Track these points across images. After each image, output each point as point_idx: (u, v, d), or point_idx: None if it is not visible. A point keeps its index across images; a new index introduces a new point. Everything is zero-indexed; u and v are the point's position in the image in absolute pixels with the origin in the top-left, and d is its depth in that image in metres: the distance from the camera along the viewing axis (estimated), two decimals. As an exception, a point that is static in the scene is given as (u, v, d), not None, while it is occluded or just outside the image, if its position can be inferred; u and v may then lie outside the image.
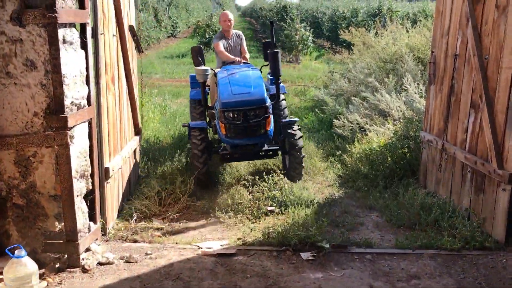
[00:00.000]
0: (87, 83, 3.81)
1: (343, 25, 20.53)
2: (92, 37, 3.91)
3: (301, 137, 5.70)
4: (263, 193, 5.04)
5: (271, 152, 5.76)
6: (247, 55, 6.77)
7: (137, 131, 5.57)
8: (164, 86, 14.51)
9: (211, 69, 5.92)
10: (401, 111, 6.50)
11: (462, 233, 4.16)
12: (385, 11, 21.87)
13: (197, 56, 6.03)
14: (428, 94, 5.42)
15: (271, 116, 5.48)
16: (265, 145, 5.68)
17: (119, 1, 4.53)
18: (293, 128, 5.67)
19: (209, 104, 6.28)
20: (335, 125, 7.03)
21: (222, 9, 39.93)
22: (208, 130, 5.95)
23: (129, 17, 5.17)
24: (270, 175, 5.43)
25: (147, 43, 27.69)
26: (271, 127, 5.46)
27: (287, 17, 24.59)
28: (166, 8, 37.28)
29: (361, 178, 5.73)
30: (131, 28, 5.18)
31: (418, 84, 6.94)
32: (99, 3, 3.94)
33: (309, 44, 22.25)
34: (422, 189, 5.29)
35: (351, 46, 10.25)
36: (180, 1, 41.38)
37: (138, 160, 5.67)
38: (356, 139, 6.48)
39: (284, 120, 5.94)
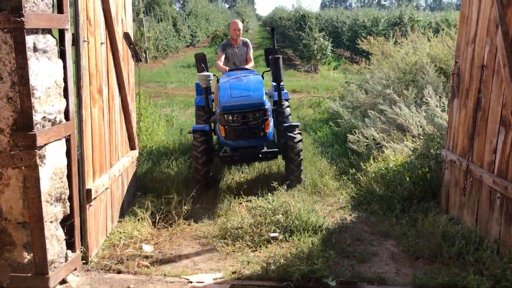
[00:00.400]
0: (66, 95, 3.42)
1: (363, 35, 20.00)
2: (73, 44, 3.53)
3: (300, 140, 5.71)
4: (266, 218, 4.56)
5: (270, 155, 5.80)
6: (252, 63, 6.88)
7: (133, 146, 5.17)
8: (177, 95, 14.19)
9: (214, 75, 6.07)
10: (421, 126, 5.97)
11: (491, 269, 3.61)
12: (406, 20, 21.29)
13: (201, 62, 6.11)
14: (451, 109, 4.90)
15: (270, 119, 5.53)
16: (265, 147, 5.79)
17: (109, 6, 4.14)
18: (294, 132, 5.72)
19: (214, 110, 6.36)
20: (349, 140, 6.52)
21: (242, 19, 39.81)
22: (211, 136, 6.08)
23: (125, 24, 4.79)
24: (275, 195, 4.99)
25: (165, 52, 27.58)
26: (270, 129, 5.51)
27: (306, 26, 24.16)
28: (186, 18, 37.26)
29: (376, 200, 5.21)
30: (126, 35, 4.80)
31: (440, 97, 6.41)
32: (81, 7, 3.55)
33: (327, 53, 21.79)
34: (443, 214, 4.74)
35: (370, 56, 9.75)
36: (200, 10, 41.39)
37: (133, 176, 5.26)
38: (371, 156, 5.96)
39: (285, 124, 6.05)
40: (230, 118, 5.31)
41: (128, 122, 4.92)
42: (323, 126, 8.51)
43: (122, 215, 4.79)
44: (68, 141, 3.48)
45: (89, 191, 3.74)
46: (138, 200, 5.13)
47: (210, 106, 6.04)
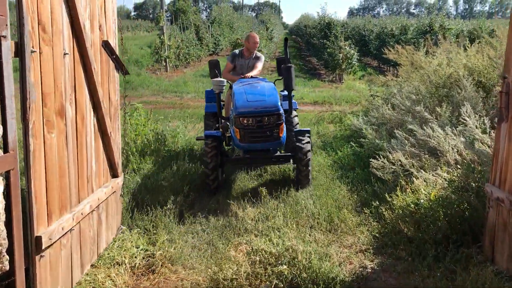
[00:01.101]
0: (3, 121, 2.68)
1: (391, 43, 19.02)
2: (16, 55, 2.80)
3: (308, 142, 5.86)
4: (267, 268, 3.72)
5: (282, 159, 5.91)
6: (255, 72, 6.78)
7: (115, 173, 4.42)
8: (191, 106, 13.50)
9: (227, 81, 6.36)
10: (458, 151, 5.05)
11: None
12: (437, 28, 20.19)
13: (214, 69, 6.36)
14: (497, 135, 3.98)
15: (284, 124, 5.67)
16: (278, 151, 5.98)
17: (76, 10, 3.40)
18: (303, 135, 5.90)
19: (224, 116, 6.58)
20: (372, 166, 5.63)
21: (266, 27, 39.16)
22: (223, 142, 6.18)
23: (104, 31, 4.06)
24: (282, 233, 4.18)
25: (187, 61, 27.08)
26: (283, 134, 5.65)
27: (331, 34, 23.29)
28: (209, 26, 36.81)
29: (403, 242, 4.31)
30: (106, 44, 4.06)
31: (479, 116, 5.48)
32: (28, 9, 2.81)
33: (353, 62, 20.87)
34: (488, 265, 3.83)
35: (398, 67, 8.84)
36: (224, 18, 40.95)
37: (116, 209, 4.51)
38: (398, 186, 5.07)
39: (296, 129, 6.25)
40: (246, 121, 5.44)
41: (107, 146, 4.18)
42: (345, 145, 7.64)
43: (99, 257, 4.04)
44: (7, 178, 2.74)
45: (39, 239, 2.98)
46: (120, 238, 4.36)
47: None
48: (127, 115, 6.38)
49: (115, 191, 4.42)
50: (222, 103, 6.64)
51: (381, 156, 5.62)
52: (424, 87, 7.01)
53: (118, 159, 4.44)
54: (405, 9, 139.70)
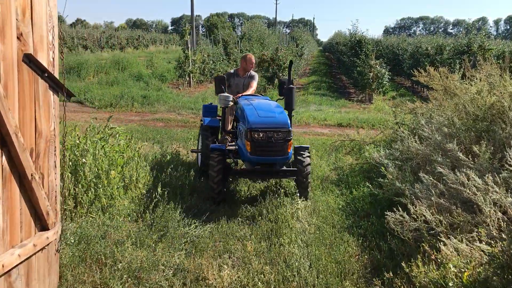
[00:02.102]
0: None
1: (425, 63, 17.69)
2: None
3: (308, 156, 6.18)
4: None
5: (288, 173, 6.11)
6: (250, 91, 7.17)
7: (44, 225, 3.41)
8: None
9: (233, 97, 6.75)
10: (501, 209, 3.83)
11: None
12: (476, 48, 18.73)
13: (220, 84, 6.70)
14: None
15: (292, 140, 5.94)
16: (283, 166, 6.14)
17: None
18: (304, 150, 6.21)
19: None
20: (388, 221, 4.44)
21: (296, 43, 38.22)
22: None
23: (30, 42, 3.09)
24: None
25: (212, 76, 26.34)
26: (291, 150, 5.95)
27: (362, 52, 22.12)
28: (238, 41, 36.14)
29: None
30: (29, 58, 3.08)
31: (531, 160, 4.25)
32: None
33: (384, 82, 19.59)
34: None
35: (429, 92, 7.62)
36: (254, 34, 40.26)
37: (45, 271, 3.49)
38: (421, 251, 3.89)
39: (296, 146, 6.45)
40: (257, 135, 5.65)
41: (29, 193, 3.18)
42: (362, 182, 6.48)
43: None
44: None
45: None
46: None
47: (218, 126, 6.90)
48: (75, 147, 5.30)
49: (44, 248, 3.41)
50: (218, 117, 7.19)
51: (400, 208, 4.43)
52: (459, 119, 5.79)
53: (51, 206, 3.43)
54: (442, 28, 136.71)
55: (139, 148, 6.10)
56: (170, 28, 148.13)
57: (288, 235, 4.72)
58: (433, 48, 22.13)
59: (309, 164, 6.07)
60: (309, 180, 6.10)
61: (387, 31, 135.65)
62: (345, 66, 27.04)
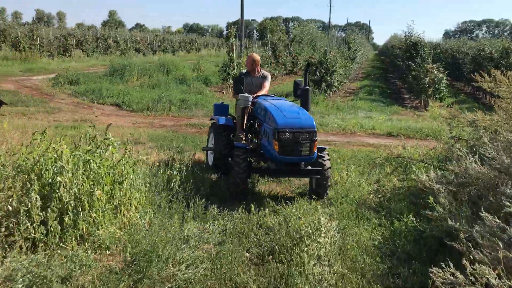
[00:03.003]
0: None
1: (489, 67, 15.96)
2: None
3: (329, 159, 6.40)
4: None
5: (313, 172, 6.16)
6: (264, 91, 7.33)
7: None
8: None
9: (253, 97, 6.87)
10: None
11: None
12: (550, 50, 16.77)
13: (239, 84, 6.84)
14: None
15: (317, 141, 6.05)
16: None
17: None
18: (323, 153, 6.39)
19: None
20: (434, 280, 3.26)
21: (348, 46, 36.71)
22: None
23: None
24: None
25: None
26: (315, 150, 6.08)
27: (417, 55, 20.52)
28: (287, 45, 35.14)
29: None
30: None
31: None
32: None
33: (441, 88, 17.97)
34: None
35: (494, 102, 6.27)
36: (305, 37, 39.15)
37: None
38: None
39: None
40: (284, 136, 5.79)
41: None
42: (406, 211, 5.27)
43: None
44: None
45: None
46: None
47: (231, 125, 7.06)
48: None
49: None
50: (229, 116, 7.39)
51: (454, 257, 3.24)
52: (535, 136, 4.50)
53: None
54: (508, 32, 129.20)
55: (137, 161, 5.18)
56: (225, 32, 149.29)
57: (300, 286, 3.63)
58: (497, 51, 20.22)
59: (330, 167, 6.33)
60: (329, 183, 6.32)
61: (447, 35, 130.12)
62: (400, 70, 25.41)
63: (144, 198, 5.01)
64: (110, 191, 4.66)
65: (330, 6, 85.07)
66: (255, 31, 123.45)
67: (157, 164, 6.64)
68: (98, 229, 4.40)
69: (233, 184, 6.05)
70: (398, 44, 29.78)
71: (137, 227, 4.54)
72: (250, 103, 6.64)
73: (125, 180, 4.84)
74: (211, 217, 5.20)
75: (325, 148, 6.57)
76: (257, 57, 7.46)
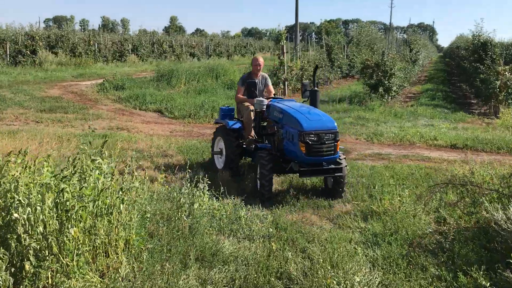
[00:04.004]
0: None
1: None
2: None
3: (345, 158, 6.65)
4: None
5: (337, 171, 6.29)
6: (273, 94, 7.71)
7: None
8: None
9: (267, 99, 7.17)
10: None
11: None
12: None
13: (251, 89, 7.12)
14: None
15: (339, 142, 6.27)
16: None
17: None
18: (339, 153, 6.43)
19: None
20: None
21: (409, 48, 34.64)
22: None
23: None
24: None
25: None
26: (338, 149, 6.26)
27: (487, 57, 18.57)
28: (344, 47, 33.60)
29: None
30: None
31: None
32: None
33: (515, 93, 16.03)
34: None
35: None
36: (363, 39, 37.34)
37: None
38: None
39: None
40: (309, 138, 5.99)
41: None
42: (476, 260, 3.98)
43: None
44: None
45: None
46: None
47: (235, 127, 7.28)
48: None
49: None
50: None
51: None
52: None
53: None
54: None
55: (130, 188, 4.21)
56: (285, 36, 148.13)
57: None
58: None
59: (346, 165, 6.54)
60: (345, 181, 6.50)
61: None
62: (466, 73, 23.33)
63: (134, 234, 4.03)
64: (90, 228, 3.72)
65: (391, 7, 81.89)
66: (313, 33, 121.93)
67: (176, 183, 5.70)
68: (69, 278, 3.46)
69: (260, 187, 6.19)
70: (464, 45, 27.53)
71: (118, 276, 3.56)
72: (264, 107, 6.87)
73: (111, 213, 3.88)
74: (220, 259, 4.15)
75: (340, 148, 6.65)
76: (262, 60, 7.67)
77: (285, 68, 21.00)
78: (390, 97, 19.02)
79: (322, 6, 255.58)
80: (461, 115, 15.98)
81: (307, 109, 6.54)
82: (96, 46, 32.40)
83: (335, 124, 6.23)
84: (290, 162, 6.37)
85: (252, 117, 7.17)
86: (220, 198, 5.62)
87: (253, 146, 6.96)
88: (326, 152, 6.07)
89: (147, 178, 4.97)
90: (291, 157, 6.32)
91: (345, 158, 6.63)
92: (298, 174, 6.44)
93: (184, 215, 4.67)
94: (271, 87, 7.82)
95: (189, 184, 5.21)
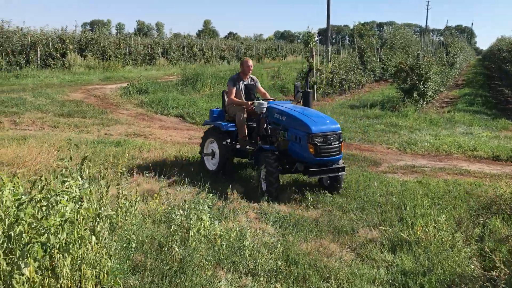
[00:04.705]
0: None
1: None
2: None
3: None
4: None
5: (341, 169, 6.54)
6: (268, 95, 7.90)
7: None
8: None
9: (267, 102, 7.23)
10: None
11: None
12: None
13: (250, 92, 7.51)
14: None
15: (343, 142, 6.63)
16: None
17: None
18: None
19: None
20: None
21: (446, 51, 33.17)
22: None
23: None
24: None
25: (342, 88, 23.30)
26: (342, 150, 6.55)
27: (532, 59, 17.24)
28: (377, 49, 32.47)
29: None
30: None
31: None
32: None
33: None
34: None
35: None
36: (398, 41, 36.06)
37: None
38: None
39: None
40: (318, 140, 6.20)
41: None
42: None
43: None
44: None
45: None
46: None
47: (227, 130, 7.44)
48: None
49: None
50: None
51: None
52: None
53: None
54: None
55: (103, 216, 3.53)
56: (316, 38, 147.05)
57: None
58: None
59: (343, 163, 6.76)
60: (343, 177, 6.77)
61: None
62: (509, 77, 21.88)
63: (110, 271, 3.34)
64: (48, 267, 3.06)
65: (428, 9, 79.62)
66: (346, 36, 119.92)
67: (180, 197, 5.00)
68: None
69: (268, 185, 6.36)
70: (506, 47, 26.01)
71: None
72: (264, 109, 6.95)
73: (79, 247, 3.21)
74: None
75: None
76: (251, 62, 7.79)
77: (314, 71, 20.20)
78: (425, 102, 17.92)
79: (356, 9, 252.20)
80: (504, 122, 14.75)
81: (311, 112, 6.73)
82: (127, 49, 32.31)
83: (339, 125, 6.53)
84: (293, 163, 6.57)
85: (245, 119, 7.32)
86: (224, 221, 4.89)
87: (249, 147, 7.23)
88: (333, 153, 6.31)
89: (138, 198, 4.30)
90: (298, 158, 6.48)
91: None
92: (303, 173, 6.73)
93: (176, 244, 3.96)
94: (261, 88, 7.92)
95: (187, 205, 4.50)
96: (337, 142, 6.35)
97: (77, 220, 3.21)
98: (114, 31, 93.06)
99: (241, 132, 7.36)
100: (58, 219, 3.05)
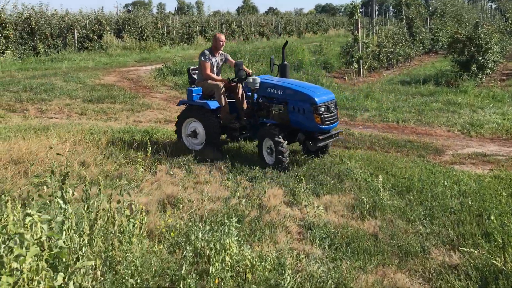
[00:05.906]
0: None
1: None
2: None
3: None
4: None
5: (335, 135, 7.01)
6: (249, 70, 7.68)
7: None
8: (356, 141, 8.52)
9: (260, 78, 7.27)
10: None
11: None
12: None
13: (240, 69, 7.27)
14: None
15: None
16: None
17: None
18: None
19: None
20: None
21: (504, 17, 30.51)
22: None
23: None
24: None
25: (389, 62, 21.65)
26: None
27: None
28: (426, 19, 30.25)
29: None
30: None
31: None
32: None
33: None
34: None
35: None
36: (448, 10, 33.59)
37: None
38: None
39: None
40: (322, 109, 6.53)
41: None
42: None
43: None
44: None
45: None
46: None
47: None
48: None
49: None
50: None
51: None
52: None
53: None
54: None
55: (77, 267, 2.55)
56: (360, 10, 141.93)
57: None
58: None
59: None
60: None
61: None
62: None
63: None
64: None
65: (479, -26, 74.56)
66: (390, 7, 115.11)
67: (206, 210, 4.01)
68: None
69: (278, 154, 6.56)
70: None
71: None
72: (257, 85, 7.03)
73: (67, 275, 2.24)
74: None
75: None
76: (224, 37, 7.67)
77: (360, 45, 18.67)
78: (485, 76, 16.15)
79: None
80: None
81: (303, 84, 7.14)
82: (164, 28, 31.49)
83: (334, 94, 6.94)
84: (292, 133, 6.85)
85: (225, 94, 7.35)
86: (257, 243, 3.84)
87: (234, 122, 7.37)
88: (334, 120, 6.73)
89: (146, 224, 3.32)
90: (303, 128, 6.80)
91: None
92: (305, 142, 6.93)
93: (193, 282, 2.95)
94: (232, 60, 7.74)
95: (210, 222, 3.47)
96: (335, 110, 6.79)
97: (39, 275, 2.22)
98: (155, 11, 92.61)
99: (224, 108, 7.34)
100: (6, 280, 2.07)
